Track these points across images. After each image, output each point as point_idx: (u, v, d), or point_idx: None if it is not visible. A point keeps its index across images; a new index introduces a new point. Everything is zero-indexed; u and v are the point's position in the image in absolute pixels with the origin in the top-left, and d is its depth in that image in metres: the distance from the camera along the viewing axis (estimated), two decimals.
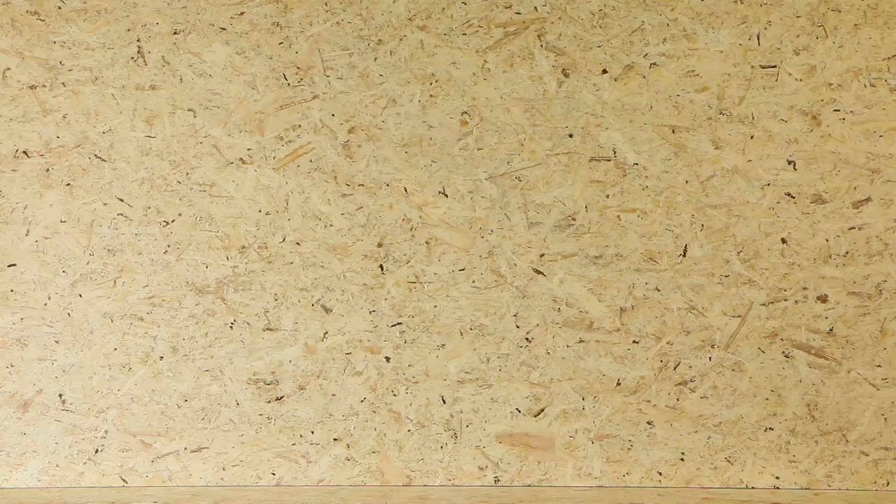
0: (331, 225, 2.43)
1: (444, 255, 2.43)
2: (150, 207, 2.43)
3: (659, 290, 2.43)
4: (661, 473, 2.46)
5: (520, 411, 2.40)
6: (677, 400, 2.45)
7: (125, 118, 2.43)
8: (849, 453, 2.42)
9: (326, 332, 2.44)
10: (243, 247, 2.44)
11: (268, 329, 2.44)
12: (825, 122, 2.40)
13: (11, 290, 2.43)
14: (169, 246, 2.43)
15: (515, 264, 2.43)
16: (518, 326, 2.42)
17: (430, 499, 2.36)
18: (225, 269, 2.44)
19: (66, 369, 2.43)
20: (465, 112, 2.44)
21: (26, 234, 2.43)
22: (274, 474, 2.45)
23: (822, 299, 2.41)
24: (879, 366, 2.41)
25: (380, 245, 2.43)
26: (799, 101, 2.40)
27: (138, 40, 2.43)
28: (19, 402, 2.43)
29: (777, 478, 2.45)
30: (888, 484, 2.42)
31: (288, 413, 2.44)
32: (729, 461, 2.45)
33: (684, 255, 2.43)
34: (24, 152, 2.43)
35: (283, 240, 2.43)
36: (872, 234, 2.40)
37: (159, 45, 2.42)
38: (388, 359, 2.44)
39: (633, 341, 2.44)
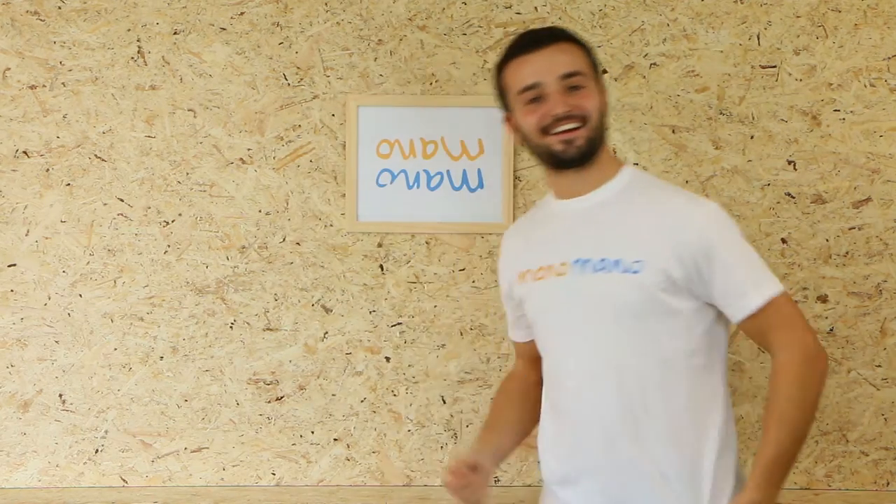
0: (331, 225, 2.43)
1: (444, 255, 2.43)
2: (150, 207, 2.43)
3: None
4: None
5: None
6: None
7: (125, 118, 2.43)
8: (849, 453, 2.42)
9: (326, 332, 2.44)
10: (243, 247, 2.44)
11: (268, 329, 2.44)
12: (825, 122, 2.40)
13: (11, 290, 2.43)
14: (169, 246, 2.43)
15: None
16: None
17: (430, 499, 2.36)
18: (225, 269, 2.44)
19: (66, 369, 2.43)
20: None
21: (26, 234, 2.43)
22: (274, 474, 2.45)
23: (822, 299, 2.41)
24: (879, 366, 2.41)
25: (380, 245, 2.43)
26: (799, 101, 2.40)
27: (138, 40, 2.43)
28: (19, 402, 2.43)
29: None
30: (888, 484, 2.42)
31: (288, 413, 2.44)
32: None
33: None
34: (24, 152, 2.43)
35: (283, 240, 2.43)
36: (872, 234, 2.40)
37: (159, 45, 2.42)
38: (388, 359, 2.44)
39: None
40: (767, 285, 1.68)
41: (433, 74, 2.42)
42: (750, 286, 1.68)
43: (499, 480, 2.43)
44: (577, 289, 1.72)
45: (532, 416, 1.90)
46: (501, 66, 1.79)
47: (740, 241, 1.71)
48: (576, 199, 1.78)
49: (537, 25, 2.40)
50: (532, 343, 1.91)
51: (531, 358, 1.92)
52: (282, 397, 2.44)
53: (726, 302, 1.70)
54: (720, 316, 1.74)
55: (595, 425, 1.71)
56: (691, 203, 1.74)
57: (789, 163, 2.40)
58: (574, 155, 1.73)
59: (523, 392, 1.94)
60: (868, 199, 2.40)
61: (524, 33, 1.83)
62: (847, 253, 2.40)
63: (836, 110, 2.39)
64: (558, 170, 1.77)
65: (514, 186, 2.41)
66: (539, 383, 1.89)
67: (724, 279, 1.68)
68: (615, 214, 1.74)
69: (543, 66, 1.72)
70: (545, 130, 1.73)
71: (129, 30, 2.42)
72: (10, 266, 2.42)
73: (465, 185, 2.43)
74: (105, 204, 2.43)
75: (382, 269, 2.43)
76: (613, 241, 1.71)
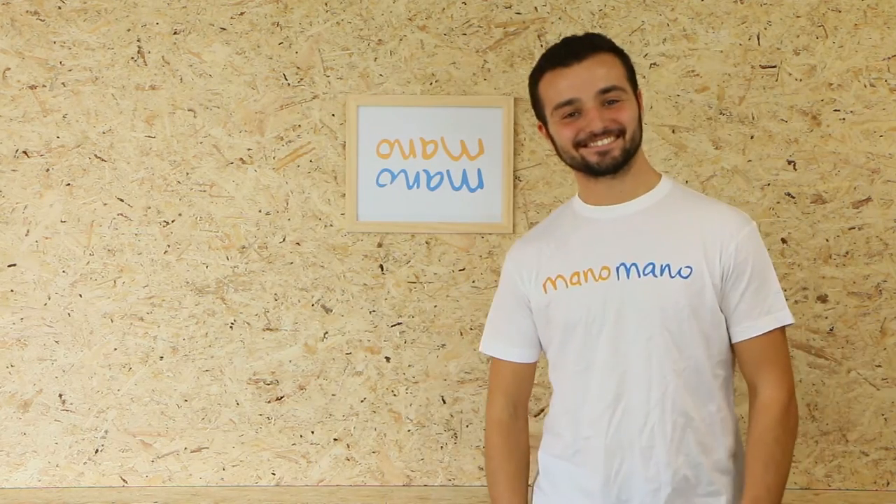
0: (331, 225, 2.43)
1: (444, 255, 2.43)
2: (150, 207, 2.43)
3: None
4: None
5: None
6: None
7: (125, 118, 2.43)
8: (849, 453, 2.41)
9: (326, 332, 2.44)
10: (243, 247, 2.44)
11: (268, 329, 2.44)
12: (825, 122, 2.40)
13: (11, 290, 2.43)
14: (169, 246, 2.43)
15: None
16: None
17: (430, 499, 2.36)
18: (225, 269, 2.44)
19: (66, 369, 2.43)
20: None
21: (26, 234, 2.43)
22: (274, 474, 2.45)
23: (822, 299, 2.41)
24: (879, 366, 2.40)
25: (380, 245, 2.43)
26: (799, 101, 2.40)
27: (138, 40, 2.43)
28: (19, 402, 2.43)
29: None
30: (888, 484, 2.42)
31: (288, 413, 2.44)
32: None
33: None
34: (24, 152, 2.43)
35: (283, 240, 2.43)
36: (872, 234, 2.40)
37: (159, 45, 2.42)
38: (388, 359, 2.44)
39: None
40: (783, 314, 1.71)
41: (433, 74, 2.42)
42: (765, 310, 1.70)
43: None
44: (622, 293, 1.70)
45: (527, 470, 1.87)
46: (537, 77, 1.76)
47: (769, 264, 1.73)
48: (613, 207, 1.76)
49: (537, 25, 2.41)
50: (528, 366, 1.85)
51: (518, 389, 1.86)
52: (282, 397, 2.44)
53: (738, 318, 1.70)
54: None
55: (633, 428, 1.69)
56: (735, 214, 1.74)
57: (789, 163, 2.40)
58: (609, 165, 1.72)
59: (522, 450, 1.86)
60: (868, 199, 2.40)
61: (560, 43, 1.77)
62: (847, 253, 2.40)
63: (836, 110, 2.39)
64: (594, 177, 1.76)
65: (514, 186, 2.41)
66: (525, 427, 1.86)
67: (744, 296, 1.69)
68: (660, 222, 1.73)
69: (580, 82, 1.69)
70: (581, 144, 1.72)
71: (129, 30, 2.42)
72: (10, 266, 2.42)
73: (465, 185, 2.43)
74: (105, 204, 2.43)
75: (382, 269, 2.43)
76: (661, 246, 1.70)
